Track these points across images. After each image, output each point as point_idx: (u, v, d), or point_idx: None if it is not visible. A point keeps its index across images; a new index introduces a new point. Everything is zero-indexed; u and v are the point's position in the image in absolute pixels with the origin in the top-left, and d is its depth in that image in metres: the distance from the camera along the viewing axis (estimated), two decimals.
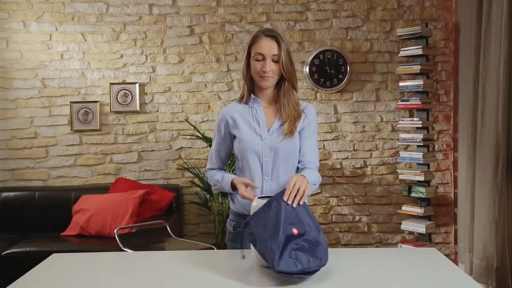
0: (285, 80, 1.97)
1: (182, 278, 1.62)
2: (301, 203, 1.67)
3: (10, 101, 4.13)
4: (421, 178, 3.73)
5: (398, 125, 3.99)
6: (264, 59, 1.93)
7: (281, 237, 1.52)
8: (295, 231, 1.56)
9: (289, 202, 1.64)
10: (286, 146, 1.94)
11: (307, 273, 1.49)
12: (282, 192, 1.67)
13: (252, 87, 2.03)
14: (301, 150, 1.99)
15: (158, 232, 3.11)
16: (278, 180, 1.96)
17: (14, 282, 1.58)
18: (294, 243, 1.53)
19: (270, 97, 2.02)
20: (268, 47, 1.92)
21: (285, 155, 1.95)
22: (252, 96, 2.02)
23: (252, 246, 1.67)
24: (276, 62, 1.93)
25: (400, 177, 3.89)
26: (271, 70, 1.93)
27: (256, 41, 1.95)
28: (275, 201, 1.64)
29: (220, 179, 1.99)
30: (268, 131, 1.97)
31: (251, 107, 2.01)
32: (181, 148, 4.18)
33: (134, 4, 4.13)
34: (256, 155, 1.95)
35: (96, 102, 4.13)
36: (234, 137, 2.01)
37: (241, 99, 2.05)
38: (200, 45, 4.15)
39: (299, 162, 2.00)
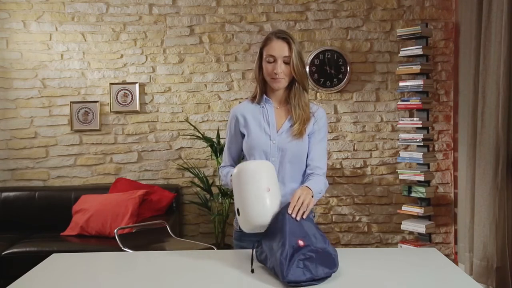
0: (296, 82, 1.99)
1: (182, 278, 1.62)
2: (304, 216, 1.69)
3: (10, 101, 4.13)
4: (421, 178, 3.73)
5: (398, 125, 3.99)
6: (275, 61, 1.94)
7: (288, 249, 1.54)
8: (301, 242, 1.58)
9: (293, 215, 1.66)
10: (294, 147, 1.95)
11: (316, 280, 1.51)
12: (287, 205, 1.69)
13: (264, 88, 2.04)
14: (310, 155, 2.00)
15: (158, 232, 3.11)
16: (283, 180, 1.97)
17: (14, 282, 1.58)
18: (301, 254, 1.55)
19: (282, 98, 2.04)
20: (279, 49, 1.94)
21: (292, 156, 1.96)
22: (264, 96, 2.03)
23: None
24: (287, 63, 1.95)
25: (400, 177, 3.89)
26: (282, 71, 1.94)
27: (268, 43, 1.97)
28: (280, 214, 1.66)
29: (226, 173, 2.03)
30: (277, 132, 1.98)
31: (263, 107, 2.03)
32: (181, 148, 4.18)
33: (134, 4, 4.13)
34: (264, 154, 1.96)
35: (96, 102, 4.13)
36: (244, 135, 2.02)
37: (253, 99, 2.06)
38: (200, 45, 4.15)
39: (307, 166, 2.00)
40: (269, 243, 1.63)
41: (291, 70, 1.94)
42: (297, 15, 4.13)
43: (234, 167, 2.08)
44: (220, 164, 2.30)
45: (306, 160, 2.00)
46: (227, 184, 2.04)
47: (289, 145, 1.95)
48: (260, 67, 2.00)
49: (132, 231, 3.31)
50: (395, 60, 4.10)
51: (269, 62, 1.95)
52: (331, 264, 1.57)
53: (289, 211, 1.66)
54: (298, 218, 1.66)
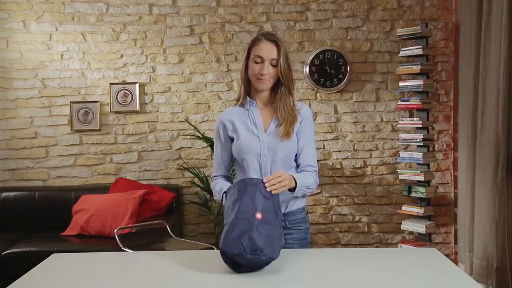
0: (282, 85, 2.00)
1: (182, 278, 1.62)
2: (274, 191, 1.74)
3: (10, 101, 4.12)
4: (421, 178, 3.73)
5: (398, 125, 3.99)
6: (262, 61, 1.95)
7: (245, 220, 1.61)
8: (258, 215, 1.62)
9: (268, 188, 1.71)
10: (284, 147, 1.97)
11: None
12: (256, 180, 1.75)
13: (248, 88, 2.05)
14: (302, 154, 2.02)
15: (158, 232, 3.12)
16: None
17: (14, 282, 1.58)
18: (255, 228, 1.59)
19: (266, 99, 2.05)
20: (268, 50, 1.95)
21: (283, 156, 1.99)
22: (248, 98, 2.04)
23: None
24: (274, 66, 1.96)
25: (400, 177, 3.89)
26: (269, 73, 1.96)
27: (257, 43, 1.97)
28: (250, 186, 1.70)
29: (219, 190, 2.00)
30: (265, 132, 2.00)
31: (248, 109, 2.04)
32: (181, 148, 4.18)
33: (134, 4, 4.12)
34: (255, 156, 1.98)
35: (96, 102, 4.12)
36: (233, 140, 2.03)
37: (237, 100, 2.08)
38: (200, 45, 4.15)
39: (299, 165, 2.03)
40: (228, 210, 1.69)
41: (278, 73, 1.96)
42: (297, 15, 4.13)
43: (226, 176, 2.12)
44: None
45: (298, 159, 2.03)
46: (219, 200, 2.01)
47: (279, 145, 1.97)
48: (246, 66, 2.01)
49: (132, 231, 3.31)
50: (395, 60, 4.10)
51: (256, 63, 1.96)
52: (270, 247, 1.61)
53: (265, 181, 1.72)
54: (268, 190, 1.71)
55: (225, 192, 1.90)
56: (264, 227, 1.60)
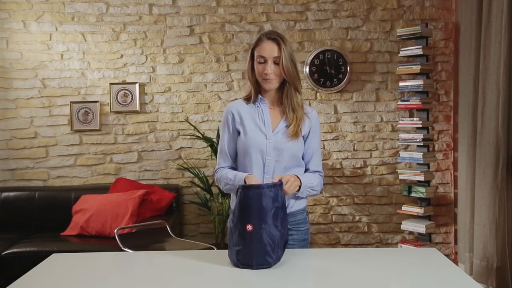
0: (288, 83, 2.00)
1: (182, 278, 1.62)
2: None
3: (10, 101, 4.13)
4: (421, 178, 3.73)
5: (398, 125, 3.99)
6: (265, 61, 1.96)
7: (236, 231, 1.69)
8: (249, 227, 1.65)
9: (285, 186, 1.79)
10: (291, 147, 1.98)
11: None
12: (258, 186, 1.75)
13: (258, 89, 2.05)
14: (310, 160, 2.06)
15: (158, 232, 3.12)
16: None
17: (14, 282, 1.58)
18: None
19: (275, 99, 2.06)
20: (269, 49, 1.95)
21: (289, 156, 1.99)
22: (259, 96, 2.04)
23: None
24: (277, 64, 1.96)
25: (400, 177, 3.89)
26: (273, 72, 1.96)
27: (259, 44, 1.98)
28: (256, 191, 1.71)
29: (233, 177, 1.96)
30: (273, 131, 2.00)
31: (258, 106, 2.04)
32: (181, 148, 4.18)
33: (134, 4, 4.13)
34: (260, 153, 1.98)
35: (96, 102, 4.13)
36: (239, 133, 2.03)
37: (247, 100, 2.06)
38: (200, 45, 4.15)
39: (307, 170, 2.06)
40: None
41: (281, 71, 1.96)
42: (297, 15, 4.13)
43: (233, 168, 2.08)
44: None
45: (307, 165, 2.06)
46: (234, 186, 1.92)
47: (286, 145, 1.97)
48: (252, 68, 2.01)
49: (132, 231, 3.31)
50: (395, 60, 4.10)
51: (259, 63, 1.97)
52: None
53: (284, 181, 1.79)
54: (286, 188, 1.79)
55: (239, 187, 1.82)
56: (253, 238, 1.64)
